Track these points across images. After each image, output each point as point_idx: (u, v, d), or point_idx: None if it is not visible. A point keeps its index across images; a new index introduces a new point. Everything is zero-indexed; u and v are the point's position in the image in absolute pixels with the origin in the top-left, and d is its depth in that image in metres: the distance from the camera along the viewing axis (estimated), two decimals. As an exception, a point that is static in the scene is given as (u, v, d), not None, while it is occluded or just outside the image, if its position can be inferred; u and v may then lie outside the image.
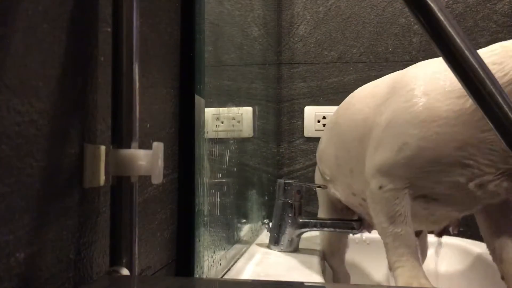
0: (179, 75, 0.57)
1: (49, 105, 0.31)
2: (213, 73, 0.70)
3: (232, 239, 0.80)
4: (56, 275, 0.32)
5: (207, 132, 0.64)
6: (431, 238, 0.92)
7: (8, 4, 0.28)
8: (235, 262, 0.79)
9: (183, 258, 0.56)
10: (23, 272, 0.29)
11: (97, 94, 0.38)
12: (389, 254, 0.61)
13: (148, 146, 0.41)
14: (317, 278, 0.74)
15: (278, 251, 0.90)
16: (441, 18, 0.34)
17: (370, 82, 0.78)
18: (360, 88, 0.79)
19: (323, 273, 0.81)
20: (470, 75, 0.34)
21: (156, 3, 0.50)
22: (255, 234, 1.02)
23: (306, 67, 1.36)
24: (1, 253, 0.27)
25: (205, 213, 0.62)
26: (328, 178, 0.87)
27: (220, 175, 0.74)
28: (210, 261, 0.64)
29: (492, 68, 0.49)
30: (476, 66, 0.34)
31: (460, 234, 0.91)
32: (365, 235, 0.95)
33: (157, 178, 0.40)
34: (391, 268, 0.61)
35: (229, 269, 0.74)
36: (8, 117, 0.28)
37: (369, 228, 0.85)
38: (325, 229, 0.89)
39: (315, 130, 1.35)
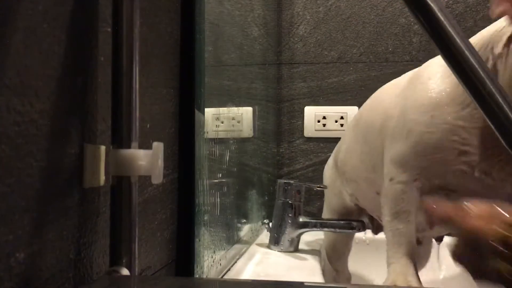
0: (179, 75, 0.57)
1: (49, 105, 0.31)
2: (213, 73, 0.70)
3: (232, 239, 0.80)
4: (56, 275, 0.32)
5: (207, 132, 0.64)
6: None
7: (8, 4, 0.28)
8: (235, 262, 0.79)
9: (183, 258, 0.56)
10: (23, 272, 0.29)
11: (97, 94, 0.38)
12: (387, 248, 0.61)
13: (148, 146, 0.41)
14: (317, 278, 0.74)
15: (278, 251, 0.90)
16: (441, 18, 0.34)
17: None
18: (388, 83, 0.79)
19: (323, 273, 0.81)
20: (470, 75, 0.34)
21: (156, 3, 0.50)
22: (255, 234, 1.02)
23: (306, 67, 1.36)
24: (1, 253, 0.27)
25: (205, 213, 0.62)
26: (349, 177, 0.86)
27: (220, 175, 0.74)
28: (210, 261, 0.64)
29: None
30: (476, 66, 0.34)
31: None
32: (366, 235, 0.95)
33: (157, 178, 0.40)
34: (387, 263, 0.61)
35: (229, 269, 0.74)
36: (8, 117, 0.28)
37: (378, 229, 0.85)
38: (325, 229, 0.89)
39: (315, 130, 1.35)
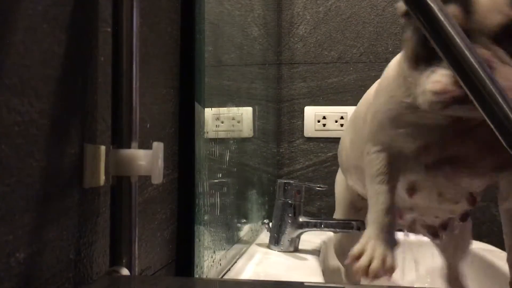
0: (179, 75, 0.57)
1: (49, 105, 0.31)
2: (213, 73, 0.70)
3: (232, 239, 0.80)
4: (56, 275, 0.32)
5: (207, 132, 0.64)
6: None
7: (8, 4, 0.28)
8: (235, 262, 0.79)
9: (183, 258, 0.56)
10: (23, 272, 0.29)
11: (97, 94, 0.38)
12: (368, 212, 0.62)
13: (148, 146, 0.41)
14: (317, 278, 0.74)
15: (278, 251, 0.90)
16: (441, 18, 0.34)
17: None
18: None
19: (323, 273, 0.81)
20: (470, 75, 0.34)
21: (156, 3, 0.50)
22: (255, 234, 1.02)
23: (306, 67, 1.36)
24: (1, 253, 0.27)
25: (205, 213, 0.62)
26: (344, 168, 0.87)
27: (220, 175, 0.74)
28: (210, 261, 0.64)
29: None
30: (476, 66, 0.34)
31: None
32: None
33: (157, 178, 0.40)
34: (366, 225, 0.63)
35: (229, 269, 0.74)
36: (8, 117, 0.28)
37: None
38: (325, 229, 0.89)
39: (315, 130, 1.35)
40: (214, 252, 0.67)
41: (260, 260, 0.83)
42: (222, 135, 0.77)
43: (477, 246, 0.94)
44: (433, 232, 0.78)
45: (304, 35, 1.37)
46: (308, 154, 1.36)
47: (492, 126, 0.34)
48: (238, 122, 0.91)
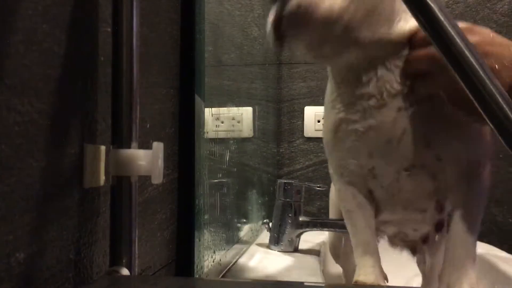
0: (179, 75, 0.57)
1: (49, 105, 0.31)
2: (213, 73, 0.70)
3: (232, 239, 0.80)
4: (56, 275, 0.32)
5: (207, 132, 0.64)
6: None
7: (8, 4, 0.28)
8: (235, 262, 0.79)
9: (183, 258, 0.56)
10: (23, 272, 0.29)
11: (97, 94, 0.38)
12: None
13: (148, 146, 0.41)
14: (317, 278, 0.74)
15: (278, 251, 0.90)
16: (441, 18, 0.34)
17: None
18: None
19: (323, 273, 0.81)
20: (470, 75, 0.34)
21: (156, 3, 0.50)
22: (255, 234, 1.02)
23: (306, 67, 1.36)
24: (1, 253, 0.27)
25: (205, 213, 0.62)
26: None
27: (220, 175, 0.74)
28: (210, 261, 0.64)
29: None
30: (476, 66, 0.34)
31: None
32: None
33: (157, 178, 0.40)
34: None
35: (229, 269, 0.74)
36: (8, 117, 0.28)
37: None
38: (325, 229, 0.89)
39: (315, 130, 1.35)
40: (214, 252, 0.67)
41: (260, 260, 0.83)
42: (222, 135, 0.77)
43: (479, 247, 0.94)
44: (412, 247, 0.77)
45: (304, 35, 1.36)
46: (308, 154, 1.36)
47: (492, 126, 0.34)
48: (238, 122, 0.91)
